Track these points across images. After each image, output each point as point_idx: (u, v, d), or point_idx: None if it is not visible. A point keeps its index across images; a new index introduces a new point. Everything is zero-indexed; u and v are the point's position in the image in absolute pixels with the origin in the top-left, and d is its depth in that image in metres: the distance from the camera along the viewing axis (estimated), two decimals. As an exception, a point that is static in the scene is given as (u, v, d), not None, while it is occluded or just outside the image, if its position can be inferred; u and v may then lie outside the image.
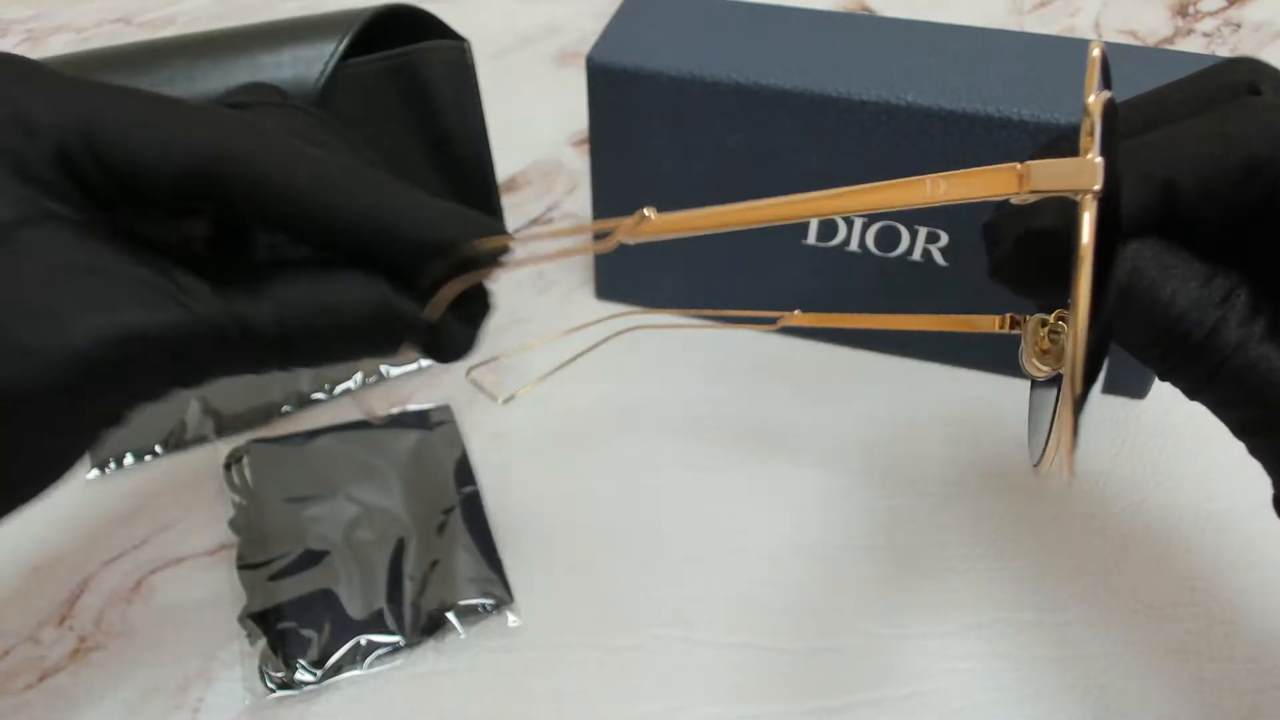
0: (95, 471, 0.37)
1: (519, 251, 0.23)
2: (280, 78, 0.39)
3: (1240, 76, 0.24)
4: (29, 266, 0.19)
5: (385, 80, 0.41)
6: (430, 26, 0.43)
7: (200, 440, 0.38)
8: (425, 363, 0.41)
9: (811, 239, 0.39)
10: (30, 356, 0.19)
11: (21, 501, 0.22)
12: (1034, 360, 0.25)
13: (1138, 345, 0.24)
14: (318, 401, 0.40)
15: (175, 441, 0.38)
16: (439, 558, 0.33)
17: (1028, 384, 0.36)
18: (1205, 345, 0.22)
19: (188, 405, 0.39)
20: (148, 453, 0.37)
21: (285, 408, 0.39)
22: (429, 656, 0.32)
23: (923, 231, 0.37)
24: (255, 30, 0.40)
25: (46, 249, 0.20)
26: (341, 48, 0.39)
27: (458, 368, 0.41)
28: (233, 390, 0.39)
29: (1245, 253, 0.23)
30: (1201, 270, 0.23)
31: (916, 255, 0.38)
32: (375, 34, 0.41)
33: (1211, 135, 0.23)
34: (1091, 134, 0.21)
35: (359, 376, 0.40)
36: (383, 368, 0.40)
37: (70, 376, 0.19)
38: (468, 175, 0.46)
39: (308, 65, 0.39)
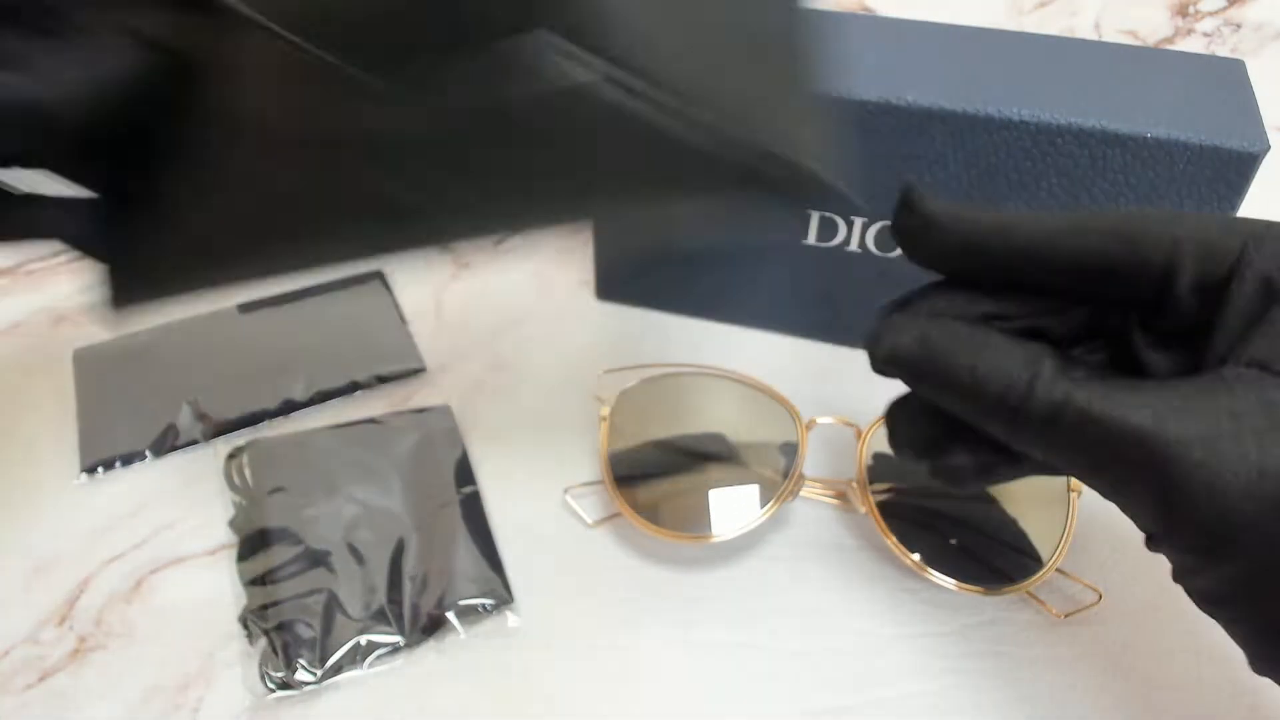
0: (84, 476, 0.37)
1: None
2: None
3: None
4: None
5: None
6: None
7: (190, 444, 0.38)
8: (419, 372, 0.41)
9: (811, 239, 0.39)
10: None
11: None
12: None
13: (967, 416, 0.25)
14: (310, 408, 0.39)
15: (166, 445, 0.38)
16: (439, 558, 0.33)
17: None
18: (1028, 402, 0.23)
19: (179, 409, 0.39)
20: (137, 458, 0.37)
21: (277, 415, 0.39)
22: (429, 656, 0.32)
23: (923, 231, 0.37)
24: None
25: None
26: None
27: (456, 371, 0.41)
28: (224, 394, 0.39)
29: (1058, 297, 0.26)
30: (1004, 341, 0.25)
31: (916, 255, 0.38)
32: None
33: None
34: None
35: (351, 385, 0.40)
36: (376, 375, 0.40)
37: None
38: (776, 84, 0.26)
39: None
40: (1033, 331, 0.26)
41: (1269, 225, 0.24)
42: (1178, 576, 0.24)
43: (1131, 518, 0.23)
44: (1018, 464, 0.27)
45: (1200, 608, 0.23)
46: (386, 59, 0.23)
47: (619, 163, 0.25)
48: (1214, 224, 0.24)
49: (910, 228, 0.26)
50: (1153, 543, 0.24)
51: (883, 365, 0.27)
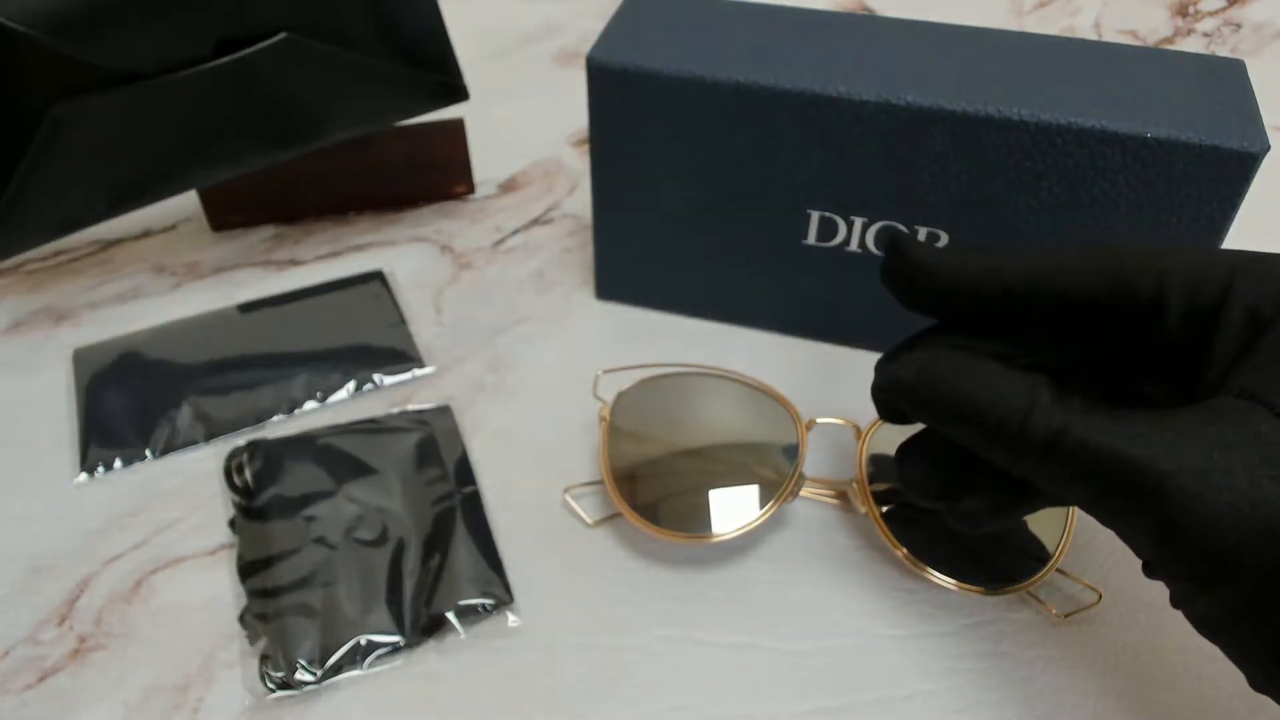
0: (84, 475, 0.37)
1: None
2: None
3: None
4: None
5: None
6: None
7: (190, 444, 0.38)
8: (419, 372, 0.41)
9: (811, 239, 0.39)
10: None
11: None
12: None
13: (968, 443, 0.26)
14: (310, 409, 0.39)
15: (165, 446, 0.38)
16: (439, 558, 0.33)
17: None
18: (1026, 430, 0.24)
19: (179, 409, 0.39)
20: (137, 458, 0.37)
21: (277, 415, 0.39)
22: (429, 656, 0.32)
23: (923, 232, 0.37)
24: None
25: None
26: None
27: (456, 371, 0.41)
28: (224, 394, 0.39)
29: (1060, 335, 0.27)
30: (1002, 371, 0.25)
31: (916, 255, 0.38)
32: None
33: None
34: None
35: (351, 385, 0.40)
36: (376, 376, 0.40)
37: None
38: (414, 24, 0.42)
39: None
40: (1032, 368, 0.26)
41: (1253, 256, 0.24)
42: (1176, 602, 0.24)
43: (1130, 546, 0.24)
44: (1028, 502, 0.27)
45: (1199, 632, 0.24)
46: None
47: (335, 93, 0.41)
48: (1200, 257, 0.25)
49: (901, 276, 0.27)
50: (1150, 570, 0.25)
51: (882, 394, 0.28)
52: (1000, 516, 0.28)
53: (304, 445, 0.37)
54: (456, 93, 0.44)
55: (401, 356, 0.41)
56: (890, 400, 0.28)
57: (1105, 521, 0.24)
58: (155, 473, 0.37)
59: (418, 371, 0.41)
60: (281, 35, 0.38)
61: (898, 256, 0.27)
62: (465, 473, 0.37)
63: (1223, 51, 0.63)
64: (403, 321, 0.43)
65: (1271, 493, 0.21)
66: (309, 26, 0.38)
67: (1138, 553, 0.24)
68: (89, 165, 0.39)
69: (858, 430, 0.35)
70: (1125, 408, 0.24)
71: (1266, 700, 0.24)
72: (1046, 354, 0.27)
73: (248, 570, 0.33)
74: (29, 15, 0.34)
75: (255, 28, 0.38)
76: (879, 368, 0.29)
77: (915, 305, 0.28)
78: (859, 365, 0.41)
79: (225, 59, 0.37)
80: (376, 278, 0.45)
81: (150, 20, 0.35)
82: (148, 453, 0.37)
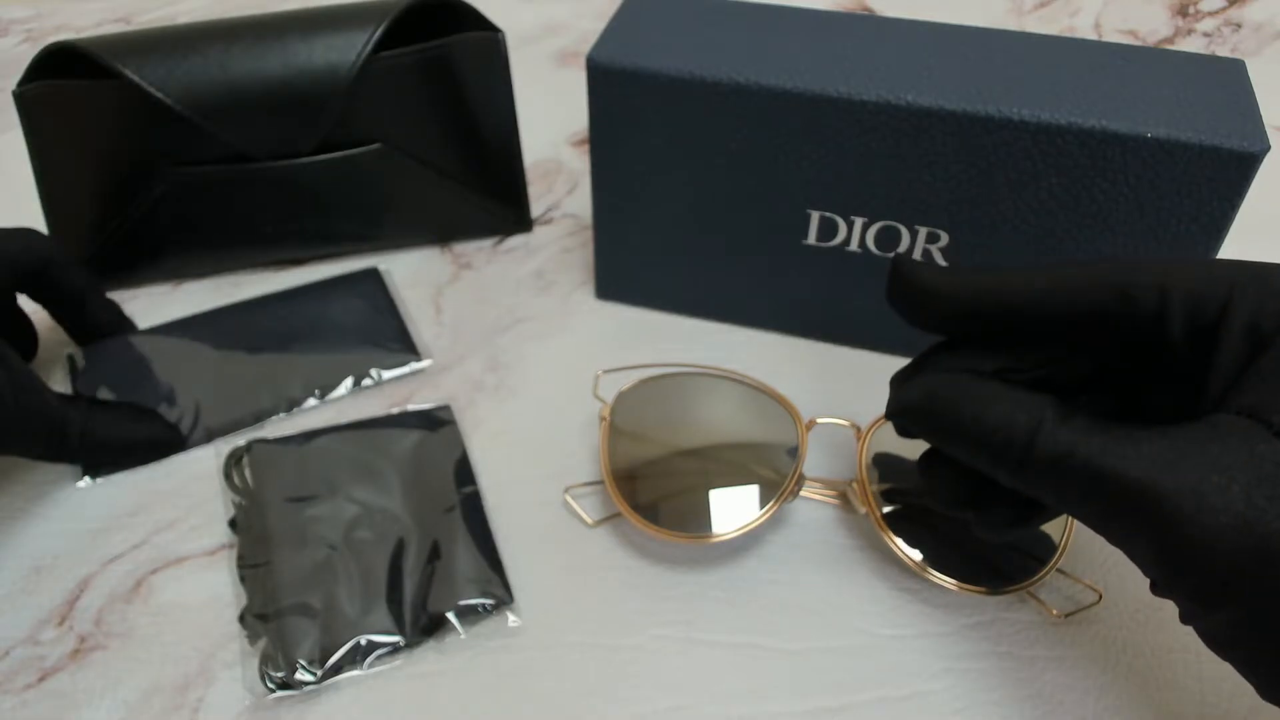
0: (86, 479, 0.37)
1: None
2: (313, 64, 0.40)
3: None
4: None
5: (417, 69, 0.42)
6: (465, 16, 0.43)
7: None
8: (417, 365, 0.41)
9: (811, 239, 0.39)
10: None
11: None
12: None
13: (976, 464, 0.26)
14: (309, 407, 0.39)
15: (168, 445, 0.38)
16: (439, 558, 0.33)
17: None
18: (1032, 448, 0.24)
19: (179, 409, 0.39)
20: (139, 457, 0.37)
21: (277, 414, 0.39)
22: (429, 656, 0.32)
23: (923, 231, 0.37)
24: (289, 17, 0.41)
25: None
26: (375, 36, 0.41)
27: (456, 371, 0.41)
28: (223, 394, 0.39)
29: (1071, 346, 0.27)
30: (1007, 393, 0.26)
31: (917, 255, 0.38)
32: (410, 21, 0.42)
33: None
34: None
35: (349, 382, 0.40)
36: (374, 371, 0.40)
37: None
38: (496, 162, 0.46)
39: (340, 53, 0.41)
40: (1040, 381, 0.27)
41: (1253, 270, 0.24)
42: (1184, 619, 0.24)
43: (1137, 565, 0.24)
44: (1048, 511, 0.28)
45: (1209, 647, 0.24)
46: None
47: (414, 207, 0.45)
48: (1200, 272, 0.25)
49: (905, 299, 0.28)
50: (1156, 589, 0.25)
51: (896, 419, 0.29)
52: (1022, 525, 0.28)
53: (303, 445, 0.37)
54: (522, 225, 0.48)
55: (401, 356, 0.41)
56: (901, 423, 0.29)
57: (1112, 540, 0.24)
58: (155, 473, 0.37)
59: (415, 364, 0.41)
60: (376, 145, 0.42)
61: (901, 281, 0.28)
62: (465, 472, 0.37)
63: (1223, 51, 0.63)
64: (403, 321, 0.43)
65: (1268, 513, 0.21)
66: (402, 148, 0.43)
67: (1144, 571, 0.24)
68: (190, 225, 0.43)
69: (858, 430, 0.35)
70: (1130, 425, 0.24)
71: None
72: (1052, 368, 0.27)
73: (248, 570, 0.33)
74: (174, 89, 0.39)
75: (355, 137, 0.42)
76: (891, 387, 0.29)
77: (922, 325, 0.28)
78: (859, 365, 0.41)
79: (324, 156, 0.42)
80: (372, 275, 0.45)
81: (270, 115, 0.41)
82: (148, 453, 0.37)
